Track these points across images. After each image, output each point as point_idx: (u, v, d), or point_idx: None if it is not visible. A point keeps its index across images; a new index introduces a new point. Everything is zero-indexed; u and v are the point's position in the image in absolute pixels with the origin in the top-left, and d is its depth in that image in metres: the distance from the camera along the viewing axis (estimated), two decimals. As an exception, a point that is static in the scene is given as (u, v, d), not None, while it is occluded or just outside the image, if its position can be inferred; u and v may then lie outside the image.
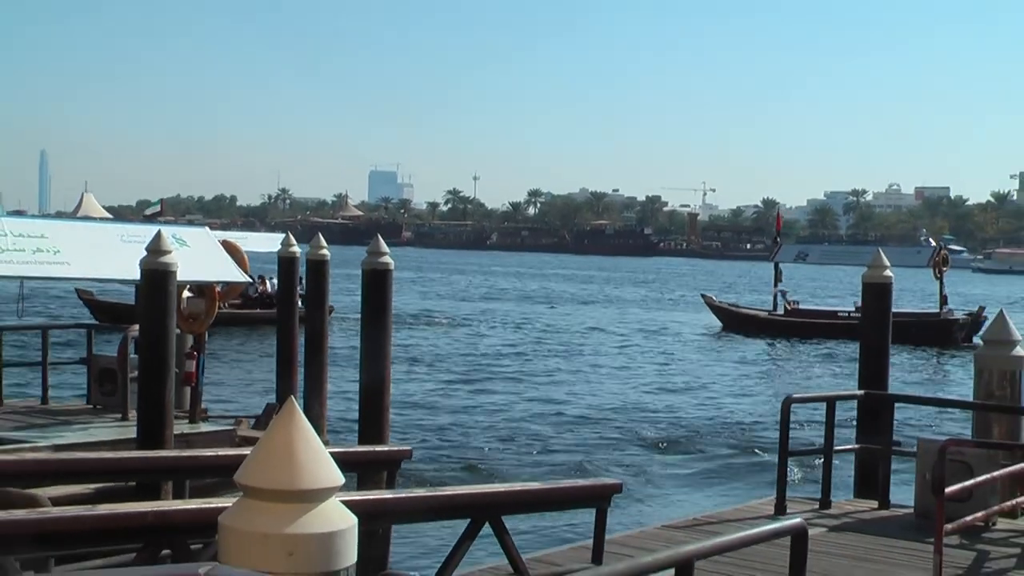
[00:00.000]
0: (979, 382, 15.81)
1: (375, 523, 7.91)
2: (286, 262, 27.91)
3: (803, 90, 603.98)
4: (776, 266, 59.44)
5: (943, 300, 54.34)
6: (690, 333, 60.09)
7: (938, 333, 50.27)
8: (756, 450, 26.45)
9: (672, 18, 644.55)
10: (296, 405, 4.30)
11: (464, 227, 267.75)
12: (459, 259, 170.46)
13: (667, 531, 13.24)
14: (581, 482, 11.12)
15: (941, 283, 53.81)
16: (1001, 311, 16.17)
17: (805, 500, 15.37)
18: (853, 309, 56.12)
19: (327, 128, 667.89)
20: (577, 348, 51.23)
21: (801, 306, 61.13)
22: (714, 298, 64.10)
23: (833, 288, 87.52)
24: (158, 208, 64.81)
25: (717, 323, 61.13)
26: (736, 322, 59.80)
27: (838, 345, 52.20)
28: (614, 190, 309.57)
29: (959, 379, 42.48)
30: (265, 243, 30.72)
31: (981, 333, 16.16)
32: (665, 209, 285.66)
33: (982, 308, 55.39)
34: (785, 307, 59.00)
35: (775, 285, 58.88)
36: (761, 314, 60.00)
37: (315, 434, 4.21)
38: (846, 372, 43.58)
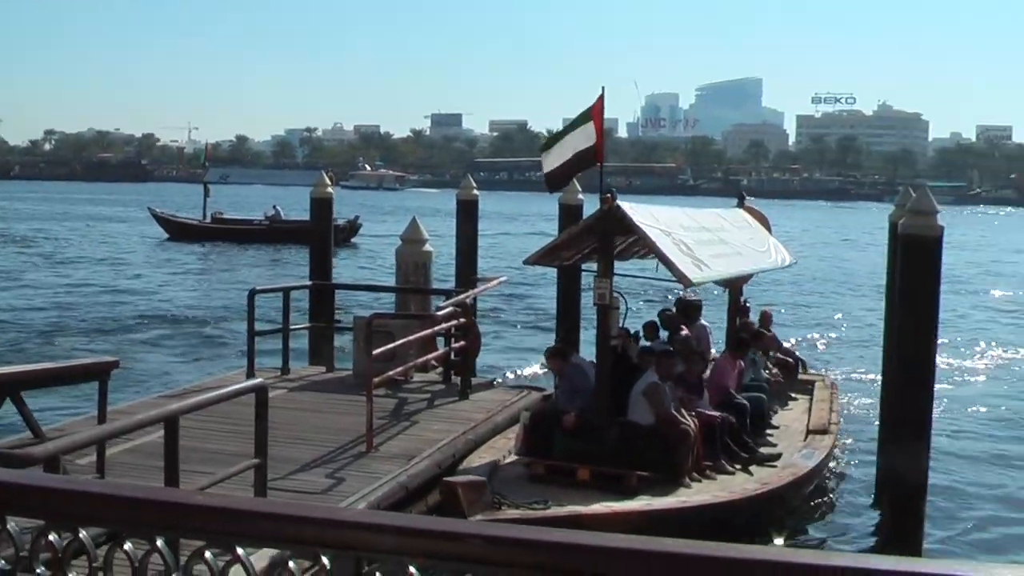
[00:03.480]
0: (399, 271, 16.51)
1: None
2: None
3: (259, 39, 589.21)
4: (205, 186, 58.53)
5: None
6: (151, 240, 57.74)
7: None
8: (230, 332, 26.08)
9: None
10: None
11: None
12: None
13: (161, 400, 13.03)
14: (85, 360, 10.80)
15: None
16: (414, 218, 16.93)
17: (270, 369, 15.56)
18: (263, 218, 56.60)
19: None
20: (82, 254, 49.18)
21: (225, 216, 60.07)
22: (157, 209, 62.04)
23: (251, 203, 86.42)
24: None
25: (163, 232, 58.96)
26: (177, 230, 57.87)
27: (256, 246, 52.26)
28: (116, 129, 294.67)
29: (344, 268, 42.56)
30: None
31: (400, 234, 16.73)
32: (159, 144, 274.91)
33: (358, 216, 56.94)
34: (213, 216, 57.95)
35: (204, 200, 57.40)
36: (194, 222, 58.42)
37: None
38: (265, 266, 44.23)
